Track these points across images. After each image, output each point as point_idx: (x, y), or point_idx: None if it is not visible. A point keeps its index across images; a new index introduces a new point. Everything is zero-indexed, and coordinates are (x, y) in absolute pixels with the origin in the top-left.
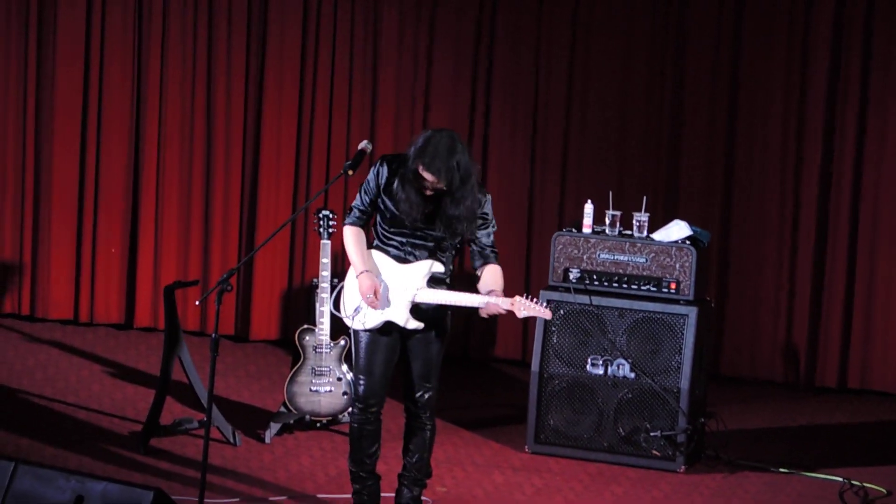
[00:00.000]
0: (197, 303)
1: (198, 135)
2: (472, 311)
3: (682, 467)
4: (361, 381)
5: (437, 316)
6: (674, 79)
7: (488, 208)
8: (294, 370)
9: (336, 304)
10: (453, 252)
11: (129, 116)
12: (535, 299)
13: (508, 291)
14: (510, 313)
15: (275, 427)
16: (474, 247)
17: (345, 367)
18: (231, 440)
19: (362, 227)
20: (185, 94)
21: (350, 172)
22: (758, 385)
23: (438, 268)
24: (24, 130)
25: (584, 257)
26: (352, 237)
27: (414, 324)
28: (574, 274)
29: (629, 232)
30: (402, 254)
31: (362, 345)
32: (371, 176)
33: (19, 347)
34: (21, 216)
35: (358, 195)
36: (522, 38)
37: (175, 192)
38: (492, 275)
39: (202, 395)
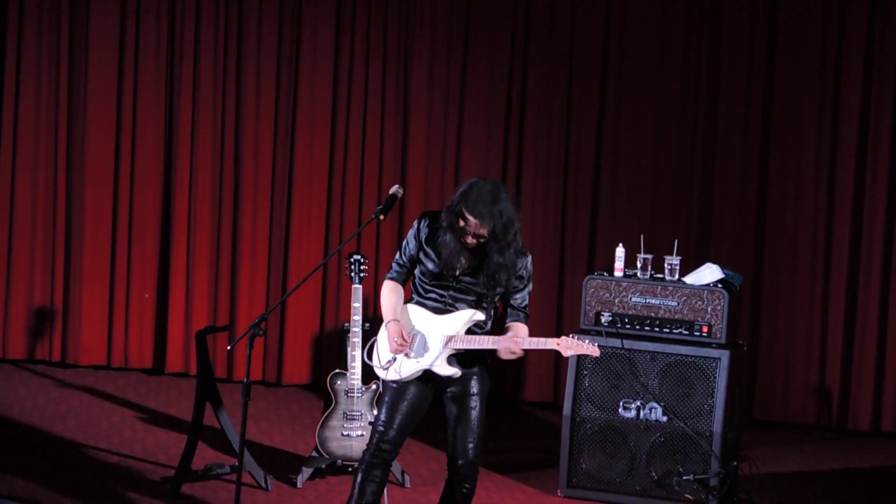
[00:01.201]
0: (228, 348)
1: (227, 181)
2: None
3: None
4: (380, 426)
5: (478, 361)
6: (706, 123)
7: (529, 267)
8: (326, 414)
9: (370, 356)
10: (493, 309)
11: (160, 163)
12: (578, 337)
13: (541, 334)
14: (552, 352)
15: (307, 472)
16: (509, 308)
17: (376, 412)
18: (263, 485)
19: (401, 282)
20: (215, 139)
21: (381, 217)
22: (791, 428)
23: (479, 316)
24: (56, 175)
25: (616, 301)
26: (387, 291)
27: (451, 370)
28: (606, 317)
29: (661, 275)
30: (441, 305)
31: (389, 393)
32: (412, 231)
33: (51, 393)
34: (52, 262)
35: (399, 251)
36: (554, 82)
37: (206, 237)
38: (518, 328)
39: (234, 440)
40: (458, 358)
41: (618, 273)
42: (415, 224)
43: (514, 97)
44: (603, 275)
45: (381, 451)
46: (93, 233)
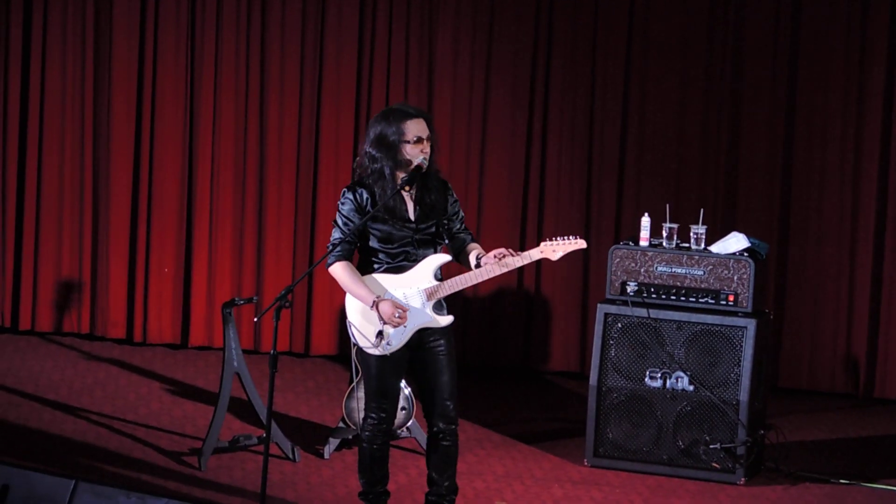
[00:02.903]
0: (255, 319)
1: (251, 154)
2: (532, 320)
3: (742, 480)
4: (375, 405)
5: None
6: (732, 90)
7: (455, 197)
8: (352, 386)
9: (355, 339)
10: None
11: (182, 135)
12: (559, 238)
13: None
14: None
15: (334, 442)
16: (453, 235)
17: (402, 382)
18: (290, 456)
19: (349, 259)
20: (238, 111)
21: (407, 188)
22: (817, 396)
23: (443, 259)
24: (83, 151)
25: (642, 270)
26: (346, 272)
27: (446, 319)
28: (632, 287)
29: (686, 245)
30: (412, 261)
31: (374, 368)
32: (349, 206)
33: (78, 365)
34: (80, 236)
35: (336, 230)
36: (579, 49)
37: (229, 210)
38: (474, 248)
39: (261, 412)
40: (438, 307)
41: (643, 242)
42: (347, 200)
43: (538, 69)
44: (629, 244)
45: (381, 426)
46: (117, 206)
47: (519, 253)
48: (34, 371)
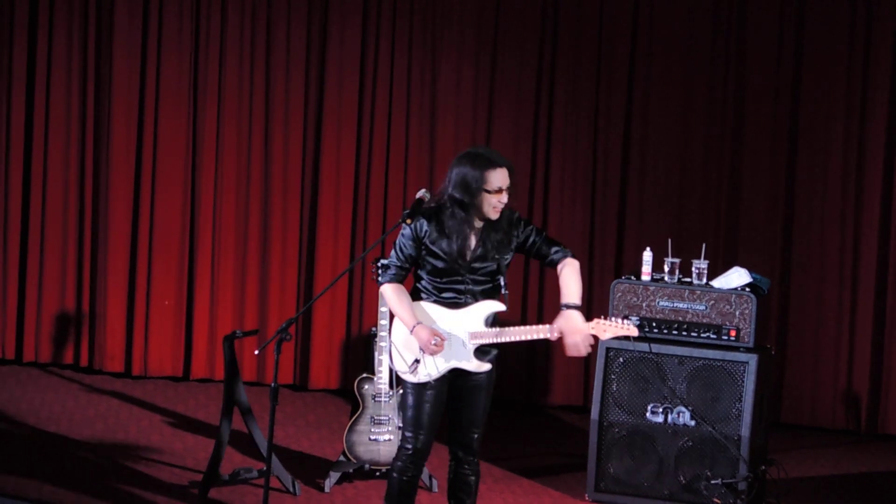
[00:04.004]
0: (256, 352)
1: (254, 184)
2: (534, 357)
3: None
4: (410, 435)
5: (491, 360)
6: (733, 128)
7: (527, 222)
8: (353, 419)
9: (391, 361)
10: (505, 289)
11: (184, 166)
12: (614, 318)
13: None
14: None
15: (334, 476)
16: (543, 259)
17: (401, 416)
18: (291, 489)
19: (401, 283)
20: (241, 142)
21: (408, 221)
22: (819, 432)
23: (496, 307)
24: (83, 179)
25: (644, 305)
26: (394, 294)
27: (486, 366)
28: (633, 321)
29: (688, 279)
30: (460, 301)
31: (412, 397)
32: (407, 232)
33: (80, 398)
34: (79, 266)
35: (394, 252)
36: (582, 85)
37: (231, 242)
38: (566, 277)
39: (262, 445)
40: (485, 351)
41: (645, 277)
42: (408, 226)
43: (542, 101)
44: (630, 279)
45: (416, 455)
46: (117, 238)
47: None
48: (35, 403)
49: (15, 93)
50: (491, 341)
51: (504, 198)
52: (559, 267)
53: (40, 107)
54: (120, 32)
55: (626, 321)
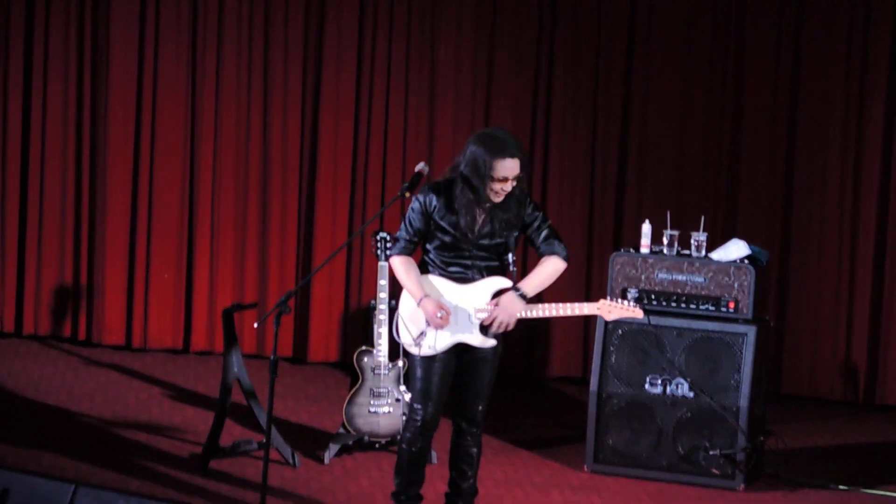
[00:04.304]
0: (255, 325)
1: (253, 157)
2: (533, 328)
3: (742, 486)
4: (419, 406)
5: (496, 334)
6: (733, 97)
7: (532, 203)
8: (352, 392)
9: (398, 332)
10: (513, 266)
11: (183, 140)
12: (621, 300)
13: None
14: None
15: (334, 448)
16: (537, 243)
17: (403, 388)
18: (290, 462)
19: (410, 255)
20: (240, 115)
21: (407, 195)
22: (818, 403)
23: (503, 283)
24: (79, 151)
25: (643, 277)
26: (403, 266)
27: (490, 341)
28: (632, 294)
29: (687, 252)
30: (466, 276)
31: (420, 369)
32: (416, 206)
33: (79, 371)
34: (77, 239)
35: (403, 226)
36: (581, 60)
37: (231, 215)
38: (536, 270)
39: (261, 417)
40: (487, 329)
41: (644, 249)
42: (418, 198)
43: (541, 76)
44: (629, 251)
45: (423, 429)
46: (115, 210)
47: (574, 303)
48: (34, 376)
49: (12, 72)
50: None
51: (508, 186)
52: (542, 259)
53: (38, 81)
54: (118, 15)
55: (632, 303)
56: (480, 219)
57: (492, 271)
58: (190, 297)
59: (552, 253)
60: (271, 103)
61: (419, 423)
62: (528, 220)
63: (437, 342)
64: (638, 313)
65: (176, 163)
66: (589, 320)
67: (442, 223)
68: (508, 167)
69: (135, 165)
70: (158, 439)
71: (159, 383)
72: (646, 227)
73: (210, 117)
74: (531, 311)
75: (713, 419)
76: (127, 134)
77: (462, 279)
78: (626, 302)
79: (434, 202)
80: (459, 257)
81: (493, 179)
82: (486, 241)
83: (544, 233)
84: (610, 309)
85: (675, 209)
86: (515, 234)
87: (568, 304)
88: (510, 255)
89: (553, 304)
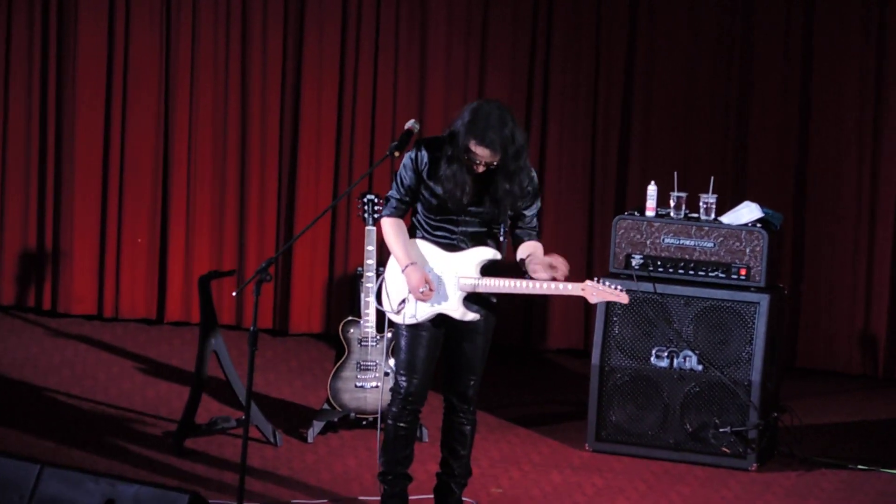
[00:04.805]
0: (234, 294)
1: (231, 116)
2: (531, 297)
3: (754, 465)
4: (403, 379)
5: (488, 305)
6: (743, 51)
7: (535, 182)
8: (338, 365)
9: (378, 298)
10: (503, 237)
11: (157, 94)
12: (608, 283)
13: (570, 278)
14: (583, 299)
15: (318, 425)
16: (518, 226)
17: (392, 362)
18: (271, 440)
19: (401, 217)
20: (217, 69)
21: (396, 154)
22: (835, 377)
23: (492, 254)
24: (44, 108)
25: (648, 242)
26: (392, 229)
27: (471, 315)
28: (637, 260)
29: (695, 215)
30: (452, 242)
31: (404, 340)
32: (407, 162)
33: (44, 343)
34: (42, 202)
35: (393, 185)
36: (582, 13)
37: (208, 176)
38: (532, 246)
39: (240, 393)
40: (474, 300)
41: (650, 213)
42: (410, 155)
43: (539, 33)
44: (634, 214)
45: (407, 402)
46: (84, 170)
47: (558, 282)
48: None
49: None
50: (481, 289)
51: (479, 169)
52: (531, 244)
53: (0, 29)
54: None
55: (618, 287)
56: (470, 185)
57: (479, 239)
58: (164, 264)
59: (535, 240)
60: (250, 60)
61: (402, 396)
62: (524, 204)
63: (417, 311)
64: (623, 298)
65: (150, 121)
66: None
67: (430, 182)
68: (480, 153)
69: (105, 122)
70: (130, 416)
71: (131, 356)
72: (651, 189)
73: (186, 73)
74: (507, 286)
75: (723, 394)
76: (97, 87)
77: (448, 246)
78: (611, 284)
79: (425, 159)
80: (447, 222)
81: (466, 157)
82: (474, 209)
83: (534, 219)
84: (594, 292)
85: (682, 169)
86: (509, 206)
87: (550, 283)
88: (502, 227)
89: (533, 281)
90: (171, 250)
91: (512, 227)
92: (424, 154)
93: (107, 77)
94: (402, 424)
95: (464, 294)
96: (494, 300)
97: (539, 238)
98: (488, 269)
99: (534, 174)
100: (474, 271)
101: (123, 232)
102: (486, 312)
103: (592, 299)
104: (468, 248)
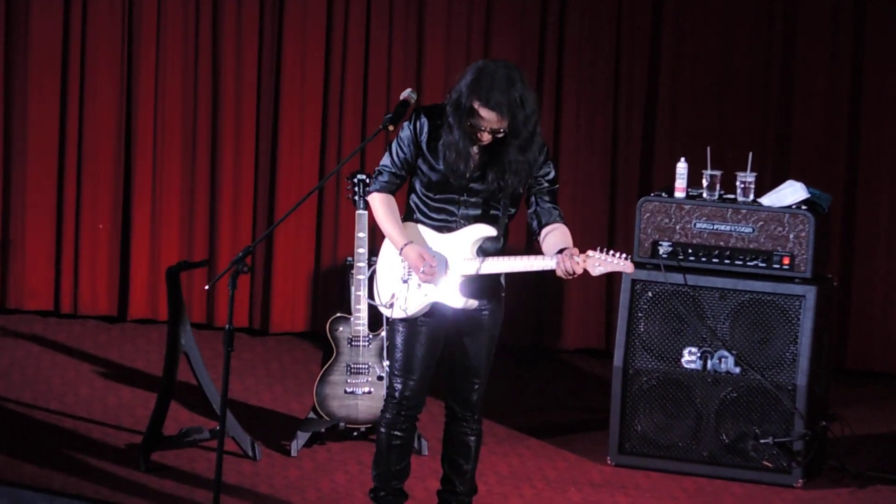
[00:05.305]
0: (207, 287)
1: (203, 83)
2: (544, 290)
3: (800, 481)
4: (398, 381)
5: (491, 294)
6: (786, 9)
7: (551, 163)
8: (325, 368)
9: (371, 292)
10: (507, 216)
11: (119, 65)
12: (611, 251)
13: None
14: (586, 273)
15: (303, 437)
16: (535, 208)
17: (386, 364)
18: (250, 453)
19: (392, 194)
20: (188, 33)
21: (390, 128)
22: (890, 381)
23: (488, 231)
24: None
25: (677, 227)
26: (383, 206)
27: (470, 302)
28: (665, 248)
29: (732, 196)
30: (451, 226)
31: (400, 337)
32: (405, 132)
33: None
34: None
35: (387, 155)
36: None
37: (176, 153)
38: (559, 235)
39: (214, 400)
40: (470, 288)
41: (679, 193)
42: (408, 124)
43: None
44: (661, 196)
45: (402, 406)
46: (37, 148)
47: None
48: None
49: None
50: (480, 271)
51: (485, 137)
52: (551, 227)
53: None
54: None
55: (622, 255)
56: (475, 158)
57: (481, 222)
58: (127, 254)
59: (556, 221)
60: (223, 22)
61: (396, 401)
62: (537, 172)
63: (408, 303)
64: (628, 267)
65: (111, 91)
66: (613, 282)
67: (429, 155)
68: (485, 116)
69: (62, 94)
70: (89, 426)
71: (90, 358)
72: (681, 167)
73: (151, 38)
74: (507, 266)
75: (764, 400)
76: (51, 55)
77: (444, 228)
78: (615, 254)
79: (425, 127)
80: (447, 202)
81: (469, 122)
82: (478, 185)
83: (548, 196)
84: (596, 262)
85: (716, 144)
86: (520, 182)
87: (537, 257)
88: (503, 206)
89: (519, 257)
90: (135, 238)
91: (528, 207)
92: (424, 122)
93: (63, 45)
94: (396, 433)
95: (462, 279)
96: (502, 292)
97: (563, 220)
98: (486, 251)
99: (546, 148)
100: (470, 252)
101: (82, 217)
102: (492, 305)
103: (595, 271)
104: (465, 227)
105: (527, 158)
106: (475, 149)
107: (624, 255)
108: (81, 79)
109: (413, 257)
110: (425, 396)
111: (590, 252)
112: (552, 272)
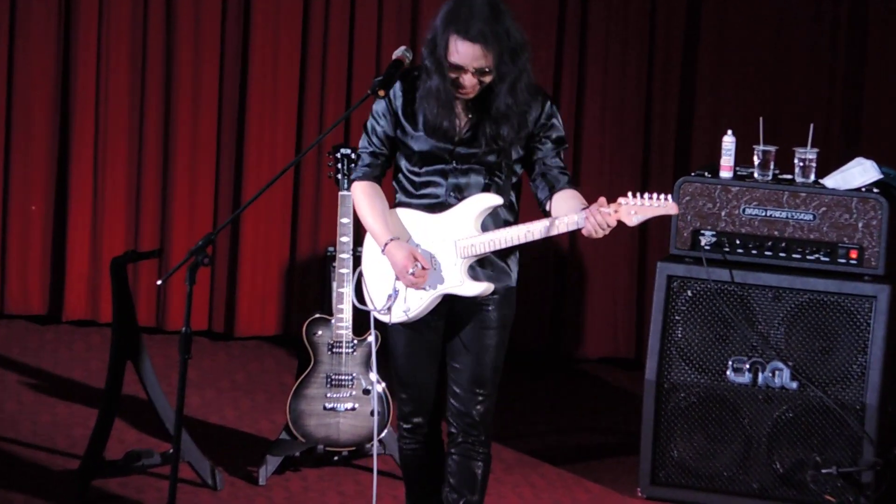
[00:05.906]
0: (158, 282)
1: (153, 44)
2: (563, 285)
3: None
4: (403, 395)
5: (503, 287)
6: None
7: (557, 114)
8: (301, 380)
9: (360, 296)
10: (512, 179)
11: (56, 22)
12: (647, 194)
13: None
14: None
15: (273, 462)
16: (539, 172)
17: (374, 376)
18: (209, 481)
19: (376, 180)
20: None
21: (380, 93)
22: None
23: (493, 199)
24: None
25: (723, 214)
26: (364, 196)
27: (482, 287)
28: (707, 238)
29: (789, 176)
30: (441, 201)
31: (398, 344)
32: (380, 104)
33: None
34: None
35: (364, 135)
36: None
37: (123, 124)
38: (575, 199)
39: (167, 417)
40: (480, 269)
41: (725, 173)
42: (382, 99)
43: None
44: (704, 176)
45: (415, 427)
46: None
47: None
48: None
49: None
50: (488, 249)
51: (466, 81)
52: (562, 193)
53: None
54: None
55: (662, 196)
56: (461, 118)
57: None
58: (63, 242)
59: (567, 187)
60: None
61: (402, 417)
62: (535, 128)
63: (410, 304)
64: (672, 208)
65: (47, 50)
66: (645, 279)
67: (407, 124)
68: (463, 52)
69: None
70: (17, 448)
71: (18, 366)
72: (728, 141)
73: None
74: (520, 235)
75: (826, 422)
76: None
77: (437, 206)
78: (651, 196)
79: (399, 91)
80: (434, 174)
81: (447, 64)
82: (466, 149)
83: (555, 158)
84: (632, 209)
85: (770, 115)
86: (516, 134)
87: (560, 218)
88: (514, 177)
89: (537, 222)
90: (71, 224)
91: (530, 175)
92: (397, 85)
93: None
94: (417, 452)
95: (468, 262)
96: (511, 281)
97: (573, 185)
98: (497, 221)
99: (549, 101)
100: (475, 227)
101: (11, 200)
102: (498, 297)
103: (631, 220)
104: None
105: (518, 102)
106: (459, 106)
107: (664, 196)
108: (10, 46)
109: (399, 258)
110: (431, 403)
111: (621, 199)
112: (575, 247)
